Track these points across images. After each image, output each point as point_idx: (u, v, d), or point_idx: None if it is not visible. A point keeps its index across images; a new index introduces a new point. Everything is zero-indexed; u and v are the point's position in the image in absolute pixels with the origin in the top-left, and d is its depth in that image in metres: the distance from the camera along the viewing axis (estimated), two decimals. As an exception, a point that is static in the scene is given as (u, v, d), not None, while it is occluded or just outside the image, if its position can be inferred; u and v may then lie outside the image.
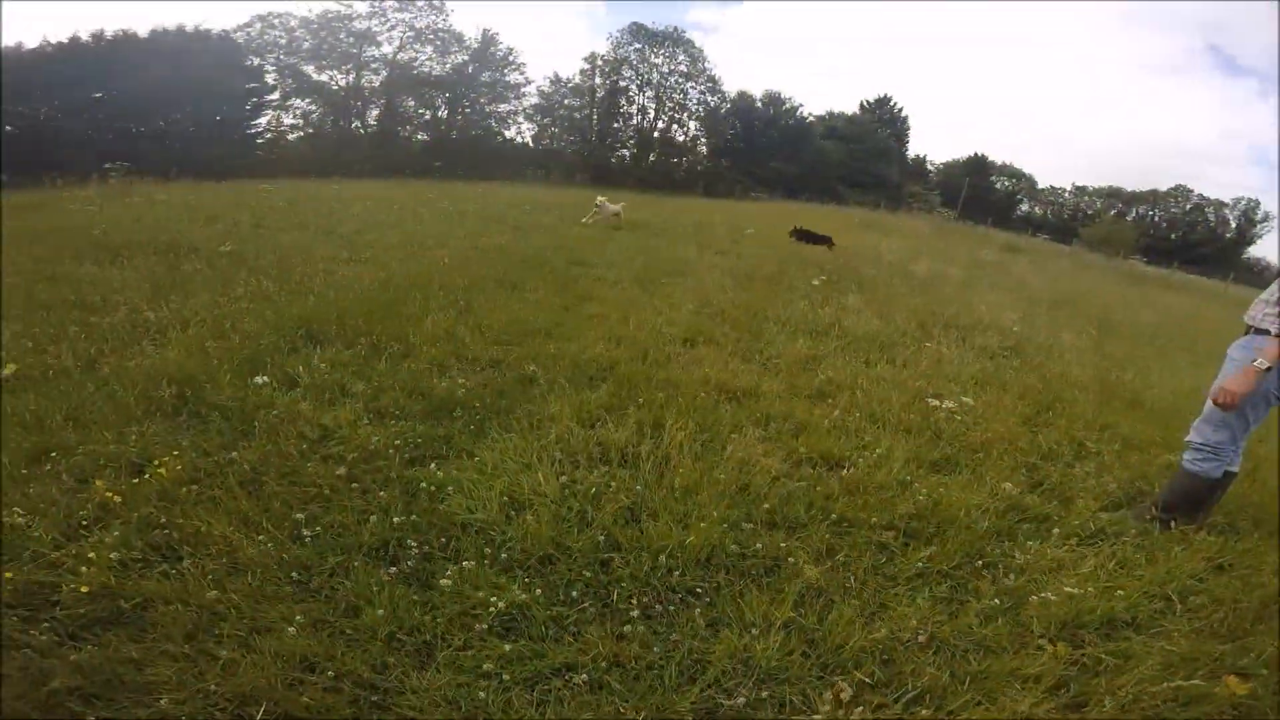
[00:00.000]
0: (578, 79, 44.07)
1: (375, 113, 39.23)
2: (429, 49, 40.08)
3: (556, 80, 43.84)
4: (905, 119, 56.36)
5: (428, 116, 40.50)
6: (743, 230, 13.15)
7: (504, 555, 2.87)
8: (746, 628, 2.57)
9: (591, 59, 44.02)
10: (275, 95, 36.78)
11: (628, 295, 7.09)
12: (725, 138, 44.95)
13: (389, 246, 7.98)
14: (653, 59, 44.43)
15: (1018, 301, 10.92)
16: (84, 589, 2.42)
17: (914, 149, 59.90)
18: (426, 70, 39.66)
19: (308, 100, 38.18)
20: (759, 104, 45.21)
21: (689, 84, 44.83)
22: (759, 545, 2.99)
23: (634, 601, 2.66)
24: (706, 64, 45.09)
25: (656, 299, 7.06)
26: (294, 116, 38.46)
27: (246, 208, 9.95)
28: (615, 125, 44.45)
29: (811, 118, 47.97)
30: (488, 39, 40.84)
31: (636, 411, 4.16)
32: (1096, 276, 21.64)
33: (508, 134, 43.10)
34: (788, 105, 45.77)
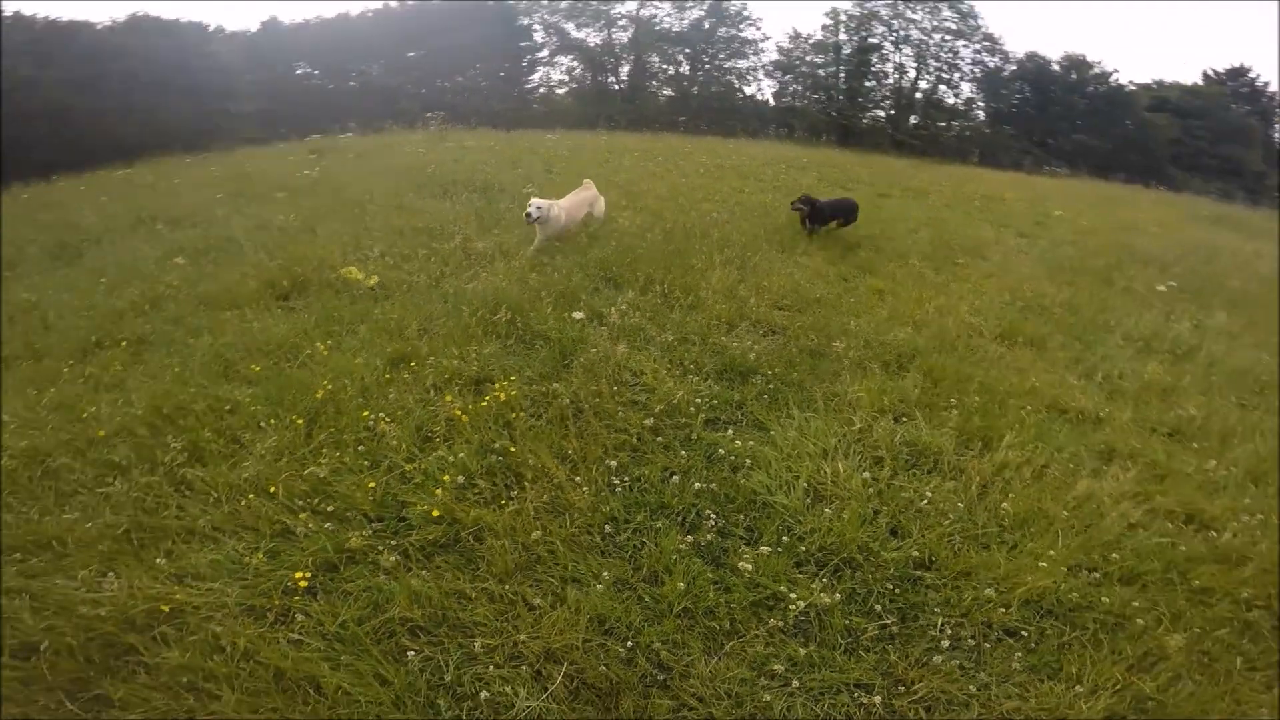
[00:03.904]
0: (820, 35, 40.91)
1: (626, 69, 41.19)
2: (666, 5, 40.36)
3: (796, 36, 41.19)
4: (1272, 96, 42.53)
5: (671, 72, 41.32)
6: (1048, 211, 10.94)
7: (802, 548, 2.66)
8: (1071, 682, 2.21)
9: (834, 14, 40.31)
10: (544, 53, 40.38)
11: (916, 273, 6.24)
12: (1011, 103, 38.47)
13: (660, 197, 8.06)
14: (909, 14, 39.38)
15: None
16: (435, 512, 2.64)
17: (1287, 133, 45.11)
18: (666, 26, 40.31)
19: (570, 56, 41.28)
20: (1056, 67, 37.75)
21: (959, 42, 38.99)
22: (1105, 599, 2.55)
23: (945, 630, 2.34)
24: (979, 20, 38.76)
25: (954, 282, 6.11)
26: (560, 73, 41.92)
27: (537, 155, 10.90)
28: (867, 84, 40.56)
29: (1132, 85, 38.67)
30: (720, -9, 39.80)
31: (959, 417, 3.58)
32: None
33: (747, 90, 41.95)
34: (1096, 70, 37.50)
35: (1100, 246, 8.53)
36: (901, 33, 39.40)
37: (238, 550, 2.53)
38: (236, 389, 3.45)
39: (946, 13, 38.52)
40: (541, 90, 40.69)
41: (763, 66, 41.31)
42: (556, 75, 41.94)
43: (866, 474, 3.07)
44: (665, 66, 42.01)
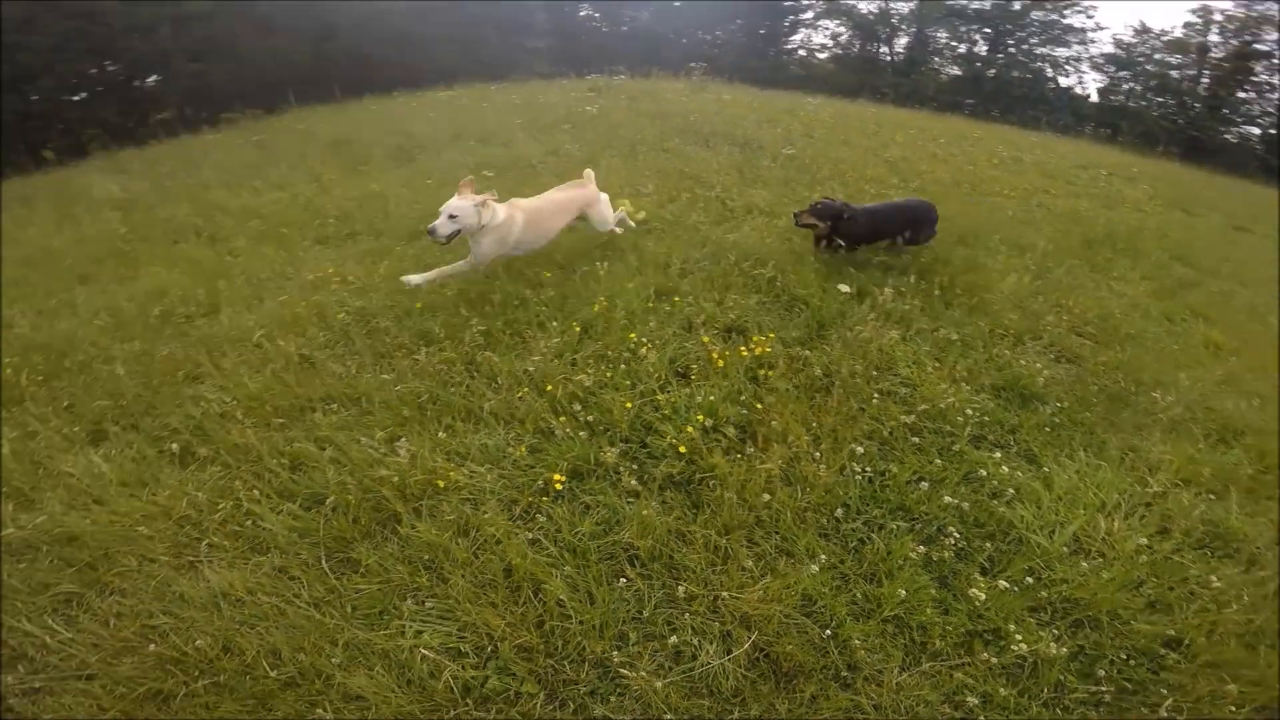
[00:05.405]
0: (1179, 33, 32.98)
1: (904, 41, 37.53)
2: (969, -20, 35.43)
3: (1142, 30, 33.75)
4: None
5: (963, 50, 36.66)
6: None
7: (1044, 594, 2.38)
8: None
9: (1204, 12, 32.02)
10: (808, 15, 38.52)
11: (1275, 333, 4.84)
12: None
13: (941, 182, 7.23)
14: (1321, 21, 29.75)
15: None
16: (682, 449, 2.68)
17: None
18: (963, 2, 35.49)
19: (836, 21, 38.81)
20: None
21: None
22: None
23: (1163, 713, 2.07)
24: None
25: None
26: (824, 36, 39.77)
27: (796, 118, 10.42)
28: (1240, 94, 32.25)
29: None
30: (1040, -26, 33.75)
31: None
32: None
33: (1062, 81, 35.72)
34: None
35: None
36: (1312, 42, 30.09)
37: (505, 440, 2.72)
38: (527, 289, 3.83)
39: (1390, 24, 28.47)
40: (800, 53, 38.88)
41: (1089, 58, 34.61)
42: (818, 39, 39.64)
43: (1143, 539, 2.60)
44: (955, 44, 37.24)
